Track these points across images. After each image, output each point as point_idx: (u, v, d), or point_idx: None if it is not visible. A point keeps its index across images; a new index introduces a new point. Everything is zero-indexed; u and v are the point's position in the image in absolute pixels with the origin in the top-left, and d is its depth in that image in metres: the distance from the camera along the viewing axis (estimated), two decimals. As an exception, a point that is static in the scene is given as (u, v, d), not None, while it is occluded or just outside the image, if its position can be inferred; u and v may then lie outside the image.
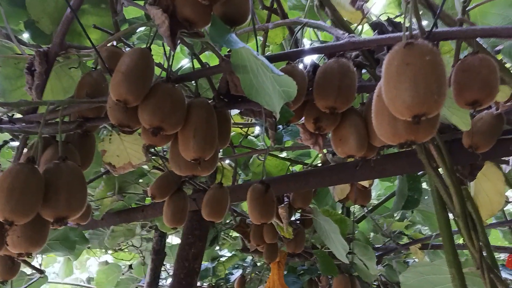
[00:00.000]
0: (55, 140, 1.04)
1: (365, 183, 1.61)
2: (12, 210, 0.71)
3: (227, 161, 2.09)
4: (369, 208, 2.33)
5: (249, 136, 2.14)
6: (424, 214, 2.35)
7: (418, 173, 1.80)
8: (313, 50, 0.91)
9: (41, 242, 0.79)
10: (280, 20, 1.16)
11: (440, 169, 1.12)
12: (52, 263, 3.87)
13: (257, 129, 2.35)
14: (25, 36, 1.34)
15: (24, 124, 1.02)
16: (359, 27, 1.46)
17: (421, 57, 0.58)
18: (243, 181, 2.37)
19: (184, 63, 2.14)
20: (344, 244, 1.66)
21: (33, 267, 1.11)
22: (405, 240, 2.80)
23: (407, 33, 0.66)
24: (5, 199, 0.71)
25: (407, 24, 0.66)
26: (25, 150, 1.04)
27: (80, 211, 0.78)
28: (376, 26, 1.01)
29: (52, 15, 1.16)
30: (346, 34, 0.91)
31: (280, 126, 1.21)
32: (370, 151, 0.99)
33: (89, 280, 4.17)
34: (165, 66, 0.91)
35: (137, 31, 1.64)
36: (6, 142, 1.16)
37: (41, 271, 1.13)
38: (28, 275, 2.35)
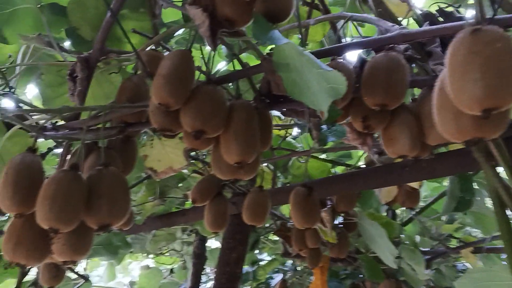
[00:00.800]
0: (97, 146, 1.04)
1: (414, 184, 1.53)
2: (56, 218, 0.70)
3: (264, 164, 2.06)
4: (416, 211, 2.22)
5: (287, 138, 2.09)
6: (476, 215, 2.22)
7: (470, 173, 1.70)
8: (360, 44, 0.86)
9: (86, 250, 0.78)
10: (322, 15, 1.11)
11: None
12: (96, 267, 3.96)
13: (295, 130, 2.30)
14: (66, 44, 1.35)
15: (67, 130, 1.02)
16: (404, 21, 1.39)
17: (491, 44, 0.52)
18: (282, 184, 2.33)
19: (220, 66, 2.13)
20: (391, 249, 1.59)
21: (78, 274, 1.11)
22: (454, 243, 2.67)
23: (470, 20, 0.60)
24: (49, 207, 0.71)
25: (471, 11, 0.60)
26: (68, 156, 1.05)
27: (123, 218, 0.77)
28: (427, 17, 0.95)
29: (92, 21, 1.16)
30: (396, 26, 0.86)
31: (324, 126, 1.16)
32: (423, 150, 0.93)
33: (132, 284, 4.25)
34: (203, 69, 0.89)
35: (175, 35, 1.63)
36: (50, 149, 1.17)
37: (85, 278, 1.13)
38: (73, 279, 2.39)
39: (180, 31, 1.67)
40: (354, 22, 1.36)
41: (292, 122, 1.90)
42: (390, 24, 0.87)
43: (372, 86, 0.82)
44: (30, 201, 0.75)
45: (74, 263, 0.79)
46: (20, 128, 0.89)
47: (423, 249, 2.34)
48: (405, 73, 0.85)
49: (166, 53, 1.26)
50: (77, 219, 0.72)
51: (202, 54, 1.44)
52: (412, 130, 0.88)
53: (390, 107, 0.84)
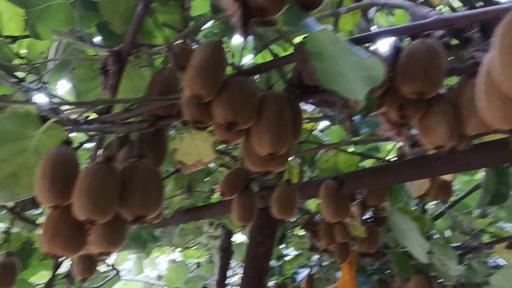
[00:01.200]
0: (128, 139, 1.04)
1: (447, 177, 1.49)
2: (92, 209, 0.71)
3: (291, 158, 2.04)
4: (447, 205, 2.17)
5: (314, 131, 2.07)
6: (510, 210, 2.15)
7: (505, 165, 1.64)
8: (396, 31, 0.83)
9: (120, 241, 0.79)
10: (354, 3, 1.09)
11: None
12: (124, 261, 4.04)
13: (321, 124, 2.27)
14: (95, 39, 1.37)
15: (99, 124, 1.03)
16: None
17: (544, 25, 0.49)
18: (308, 178, 2.31)
19: (246, 61, 2.11)
20: (423, 244, 1.55)
21: (111, 265, 1.12)
22: (486, 238, 2.59)
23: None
24: (85, 198, 0.71)
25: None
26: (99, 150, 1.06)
27: (157, 209, 0.77)
28: (467, 1, 0.92)
29: (123, 15, 1.17)
30: (433, 11, 0.83)
31: (356, 117, 1.14)
32: (460, 141, 0.90)
33: (159, 277, 4.31)
34: (230, 61, 0.88)
35: (202, 28, 1.63)
36: (82, 144, 1.19)
37: (117, 270, 1.15)
38: (102, 273, 2.44)
39: (207, 25, 1.67)
40: (385, 11, 1.33)
41: (320, 115, 1.88)
42: (427, 9, 0.84)
43: (410, 73, 0.80)
44: (67, 193, 0.76)
45: (109, 254, 0.80)
46: (54, 121, 0.90)
47: (454, 244, 2.29)
48: (442, 60, 0.82)
49: (195, 46, 1.26)
50: (112, 210, 0.73)
51: (229, 47, 1.43)
52: (450, 119, 0.85)
53: (427, 96, 0.82)
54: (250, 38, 1.64)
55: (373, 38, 0.84)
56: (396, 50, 0.88)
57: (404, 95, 0.83)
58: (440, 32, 0.94)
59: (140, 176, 0.77)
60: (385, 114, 0.91)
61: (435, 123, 0.85)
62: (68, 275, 1.53)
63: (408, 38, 0.91)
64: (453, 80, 1.00)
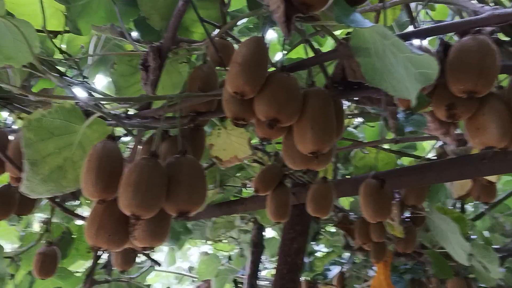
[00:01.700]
0: (168, 135, 1.05)
1: (491, 177, 1.43)
2: (139, 205, 0.71)
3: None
4: (488, 206, 2.09)
5: (348, 128, 2.03)
6: (555, 212, 2.06)
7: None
8: (448, 27, 0.80)
9: (164, 236, 0.79)
10: (398, -3, 1.05)
11: None
12: (156, 252, 4.12)
13: (356, 120, 2.23)
14: (133, 34, 1.38)
15: (139, 119, 1.04)
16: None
17: None
18: (341, 175, 2.27)
19: (277, 58, 2.09)
20: (464, 245, 1.50)
21: (151, 259, 1.14)
22: (527, 241, 2.49)
23: None
24: (132, 193, 0.72)
25: None
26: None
27: (201, 204, 0.77)
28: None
29: (161, 10, 1.17)
30: (486, 6, 0.79)
31: (400, 115, 1.11)
32: (512, 141, 0.86)
33: (190, 269, 4.37)
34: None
35: (238, 24, 1.62)
36: (119, 138, 1.20)
37: (158, 263, 1.16)
38: (137, 263, 2.49)
39: (243, 20, 1.66)
40: (430, 4, 1.28)
41: (356, 111, 1.84)
42: (479, 4, 0.80)
43: (462, 71, 0.76)
44: (112, 188, 0.77)
45: (152, 249, 0.81)
46: (98, 116, 0.92)
47: (494, 246, 2.21)
48: (496, 57, 0.78)
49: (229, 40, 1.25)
50: (159, 206, 0.74)
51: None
52: (503, 119, 0.81)
53: (479, 94, 0.78)
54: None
55: (422, 34, 0.81)
56: (445, 47, 0.85)
57: (454, 93, 0.80)
58: (490, 29, 0.90)
59: (186, 171, 0.77)
60: (432, 112, 0.88)
61: (487, 123, 0.81)
62: (106, 266, 1.57)
63: (454, 35, 0.87)
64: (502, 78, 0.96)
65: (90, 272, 1.15)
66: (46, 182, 0.88)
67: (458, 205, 2.06)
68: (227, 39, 1.23)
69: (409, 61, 0.66)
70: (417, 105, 0.65)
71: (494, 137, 0.81)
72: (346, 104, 1.76)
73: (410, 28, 1.10)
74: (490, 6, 0.78)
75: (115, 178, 0.77)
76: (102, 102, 1.07)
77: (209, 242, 3.38)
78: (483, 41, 0.79)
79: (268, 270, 4.06)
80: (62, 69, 1.46)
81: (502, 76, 0.95)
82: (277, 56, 2.12)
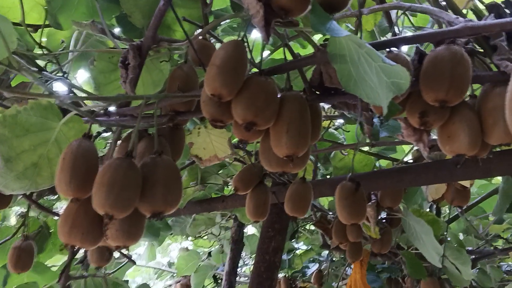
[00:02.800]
0: (147, 133, 1.05)
1: (465, 182, 1.47)
2: (112, 205, 0.71)
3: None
4: (462, 209, 2.14)
5: (329, 129, 2.05)
6: (527, 216, 2.12)
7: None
8: (422, 37, 0.81)
9: (138, 236, 0.80)
10: (376, 5, 1.07)
11: None
12: (136, 246, 4.10)
13: (337, 122, 2.26)
14: (116, 30, 1.37)
15: (118, 117, 1.04)
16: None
17: None
18: (321, 175, 2.30)
19: (264, 56, 2.10)
20: (437, 247, 1.54)
21: (125, 256, 1.14)
22: (499, 243, 2.56)
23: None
24: (105, 193, 0.72)
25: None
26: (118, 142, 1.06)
27: (176, 205, 0.77)
28: (492, 8, 0.89)
29: (143, 9, 1.17)
30: (460, 18, 0.81)
31: (375, 120, 1.13)
32: (482, 150, 0.88)
33: (170, 264, 4.36)
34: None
35: (221, 23, 1.62)
36: (99, 133, 1.20)
37: (132, 261, 1.17)
38: (116, 258, 2.47)
39: (228, 20, 1.66)
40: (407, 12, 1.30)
41: (336, 113, 1.86)
42: (454, 16, 0.82)
43: (434, 80, 0.78)
44: (86, 186, 0.77)
45: (126, 248, 0.81)
46: (75, 114, 0.91)
47: (468, 248, 2.26)
48: (469, 67, 0.81)
49: (213, 41, 1.26)
50: (132, 206, 0.74)
51: (247, 42, 1.43)
52: (473, 128, 0.84)
53: (451, 104, 0.80)
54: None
55: (397, 43, 0.83)
56: (420, 55, 0.87)
57: (427, 101, 0.82)
58: (464, 39, 0.92)
59: (161, 172, 0.77)
60: (406, 119, 0.90)
61: (458, 131, 0.84)
62: (83, 261, 1.56)
63: (431, 44, 0.89)
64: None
65: (65, 267, 1.14)
66: (20, 179, 0.87)
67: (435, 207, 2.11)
68: (210, 39, 1.23)
69: (381, 70, 0.67)
70: (388, 113, 0.66)
71: (463, 145, 0.84)
72: (327, 106, 1.78)
73: (390, 35, 1.12)
74: (463, 18, 0.80)
75: (89, 177, 0.76)
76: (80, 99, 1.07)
77: (189, 238, 3.38)
78: (456, 51, 0.81)
79: (248, 266, 4.08)
80: (42, 63, 1.44)
81: (476, 86, 0.97)
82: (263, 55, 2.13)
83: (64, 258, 2.24)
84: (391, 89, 0.66)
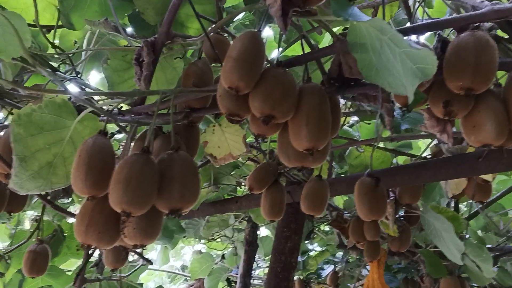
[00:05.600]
0: (161, 131, 1.03)
1: (486, 176, 1.43)
2: (130, 202, 0.70)
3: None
4: (483, 204, 2.09)
5: (344, 126, 2.02)
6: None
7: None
8: (443, 23, 0.79)
9: (155, 234, 0.78)
10: (395, -6, 1.04)
11: None
12: (150, 250, 4.09)
13: (352, 119, 2.23)
14: (128, 30, 1.36)
15: (132, 115, 1.02)
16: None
17: None
18: (335, 174, 2.27)
19: (274, 55, 2.08)
20: (458, 244, 1.49)
21: (143, 257, 1.12)
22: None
23: None
24: (122, 190, 0.70)
25: None
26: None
27: (193, 202, 0.75)
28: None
29: (156, 5, 1.16)
30: (485, 1, 0.78)
31: (396, 113, 1.10)
32: (509, 140, 0.85)
33: (183, 268, 4.35)
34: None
35: (234, 20, 1.61)
36: (113, 134, 1.18)
37: (149, 261, 1.15)
38: (130, 262, 2.46)
39: (239, 16, 1.64)
40: (427, 2, 1.27)
41: (351, 109, 1.84)
42: (478, 0, 0.79)
43: (458, 68, 0.76)
44: (103, 184, 0.75)
45: (143, 246, 0.79)
46: (90, 112, 0.90)
47: (488, 246, 2.21)
48: (494, 54, 0.78)
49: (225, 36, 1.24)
50: (150, 203, 0.72)
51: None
52: (499, 117, 0.81)
53: (477, 91, 0.77)
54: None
55: (420, 30, 0.80)
56: (443, 43, 0.84)
57: (451, 90, 0.79)
58: (488, 25, 0.89)
59: (178, 168, 0.75)
60: (429, 109, 0.87)
61: (483, 120, 0.80)
62: (98, 264, 1.55)
63: (453, 31, 0.86)
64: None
65: (80, 270, 1.13)
66: (36, 179, 0.86)
67: (453, 204, 2.06)
68: (223, 35, 1.22)
69: (406, 56, 0.65)
70: (414, 101, 0.64)
71: (490, 135, 0.81)
72: (341, 102, 1.75)
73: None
74: (488, 1, 0.77)
75: (105, 174, 0.75)
76: (94, 97, 1.05)
77: (202, 240, 3.36)
78: (481, 37, 0.78)
79: (261, 269, 4.05)
80: (55, 64, 1.44)
81: (500, 73, 0.94)
82: (273, 54, 2.11)
83: (78, 262, 2.24)
84: (417, 75, 0.64)
